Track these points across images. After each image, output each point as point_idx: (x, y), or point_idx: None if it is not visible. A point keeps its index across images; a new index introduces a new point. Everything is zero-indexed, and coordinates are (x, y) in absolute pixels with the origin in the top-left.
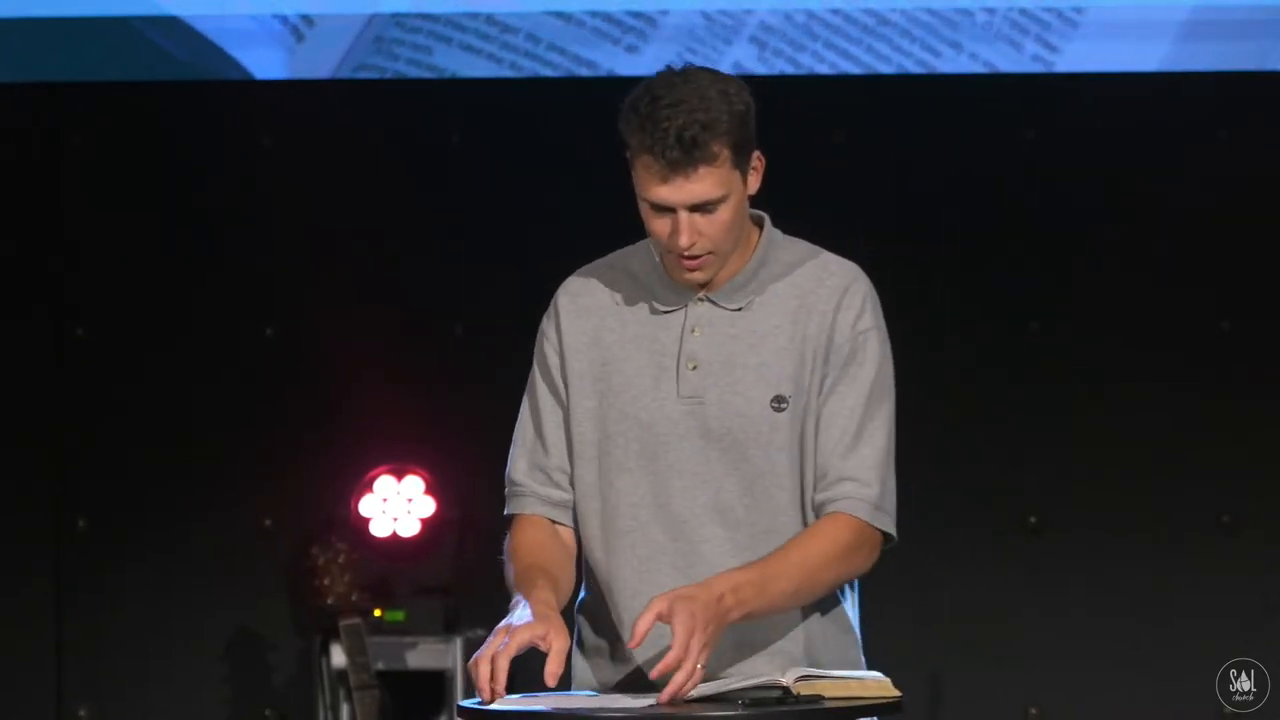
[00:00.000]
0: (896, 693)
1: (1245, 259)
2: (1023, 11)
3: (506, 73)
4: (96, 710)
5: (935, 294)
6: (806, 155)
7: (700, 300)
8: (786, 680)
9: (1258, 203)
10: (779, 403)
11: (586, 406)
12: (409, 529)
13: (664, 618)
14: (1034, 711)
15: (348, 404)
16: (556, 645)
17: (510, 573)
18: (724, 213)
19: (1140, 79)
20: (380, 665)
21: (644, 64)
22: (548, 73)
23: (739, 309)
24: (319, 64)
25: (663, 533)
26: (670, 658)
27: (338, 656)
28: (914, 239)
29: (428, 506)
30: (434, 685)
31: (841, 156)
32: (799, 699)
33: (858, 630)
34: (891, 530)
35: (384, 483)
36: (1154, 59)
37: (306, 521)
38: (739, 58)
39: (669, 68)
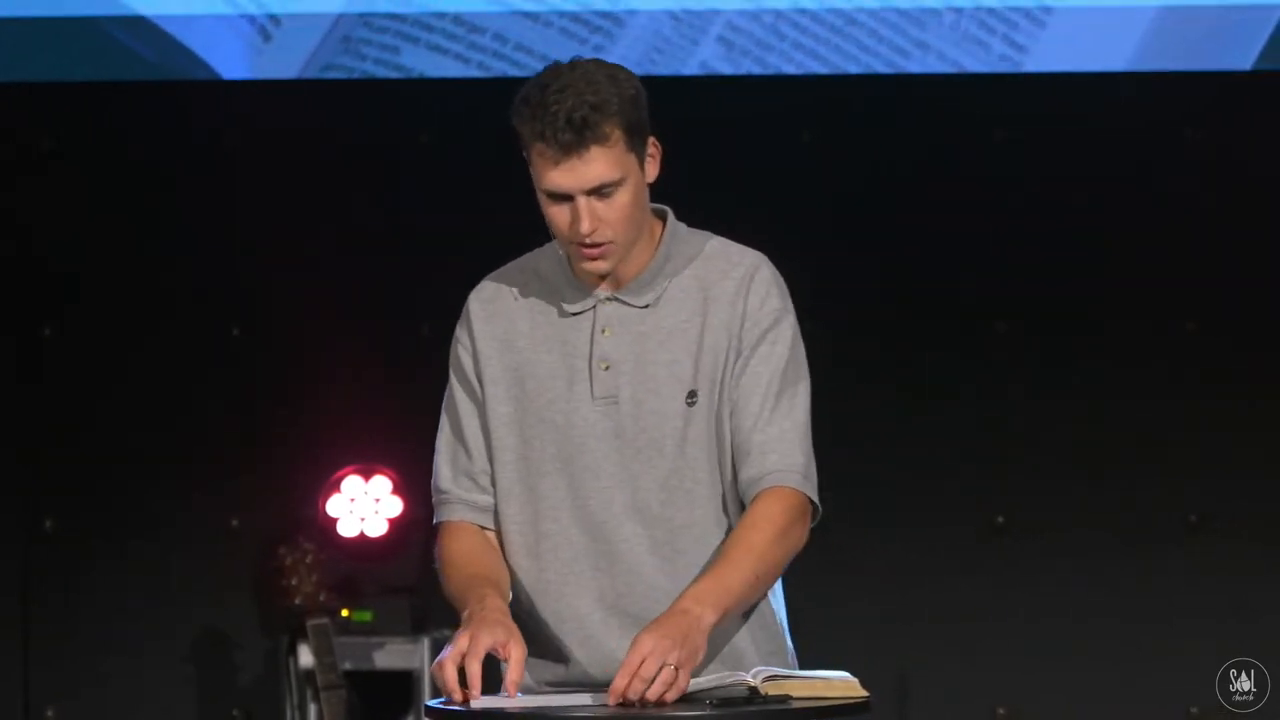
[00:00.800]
0: (864, 693)
1: (1212, 259)
2: (990, 11)
3: (474, 72)
4: (64, 710)
5: (903, 294)
6: (774, 155)
7: (608, 300)
8: (754, 680)
9: (1224, 202)
10: (691, 398)
11: (502, 412)
12: (376, 529)
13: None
14: (1002, 711)
15: (315, 404)
16: (516, 654)
17: (451, 583)
18: (622, 197)
19: (1108, 79)
20: (348, 665)
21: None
22: (515, 73)
23: (647, 305)
24: (286, 64)
25: (583, 534)
26: (616, 679)
27: (305, 656)
28: (881, 239)
29: (395, 506)
30: (401, 685)
31: (809, 156)
32: (767, 699)
33: (784, 620)
34: (817, 499)
35: (351, 483)
36: (1121, 59)
37: (274, 522)
38: (706, 57)
39: (556, 62)
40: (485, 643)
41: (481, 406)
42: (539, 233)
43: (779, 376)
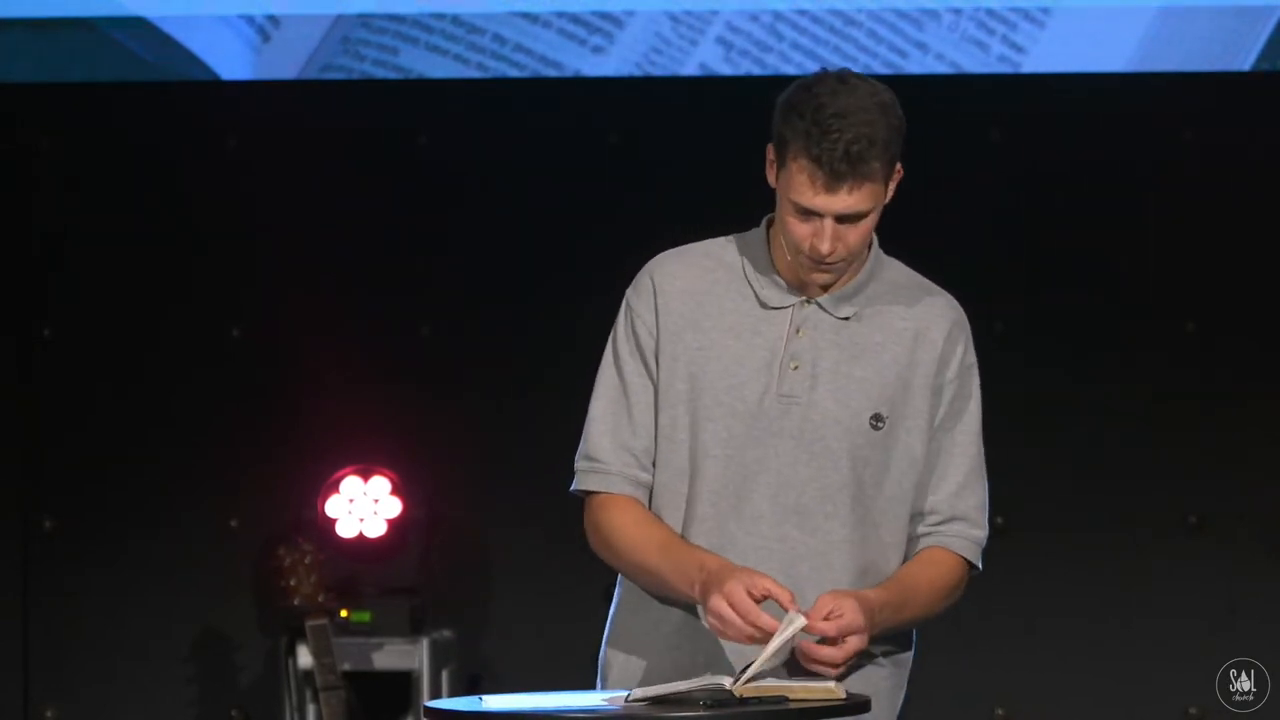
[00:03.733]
0: (842, 695)
1: (1210, 260)
2: (989, 12)
3: (473, 73)
4: (64, 711)
5: None
6: None
7: (808, 303)
8: (730, 684)
9: (1223, 203)
10: (877, 421)
11: (679, 389)
12: (375, 530)
13: (832, 614)
14: (1000, 712)
15: (314, 404)
16: (769, 584)
17: (637, 554)
18: (867, 223)
19: (1106, 79)
20: (346, 666)
21: (610, 65)
22: (514, 73)
23: (846, 318)
24: (285, 65)
25: (738, 526)
26: (837, 628)
27: (304, 657)
28: (879, 240)
29: (394, 507)
30: (400, 686)
31: None
32: (762, 700)
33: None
34: (980, 567)
35: (350, 483)
36: (1120, 59)
37: (273, 522)
38: (705, 58)
39: (825, 70)
40: (743, 590)
41: (655, 384)
42: (538, 233)
43: (975, 441)
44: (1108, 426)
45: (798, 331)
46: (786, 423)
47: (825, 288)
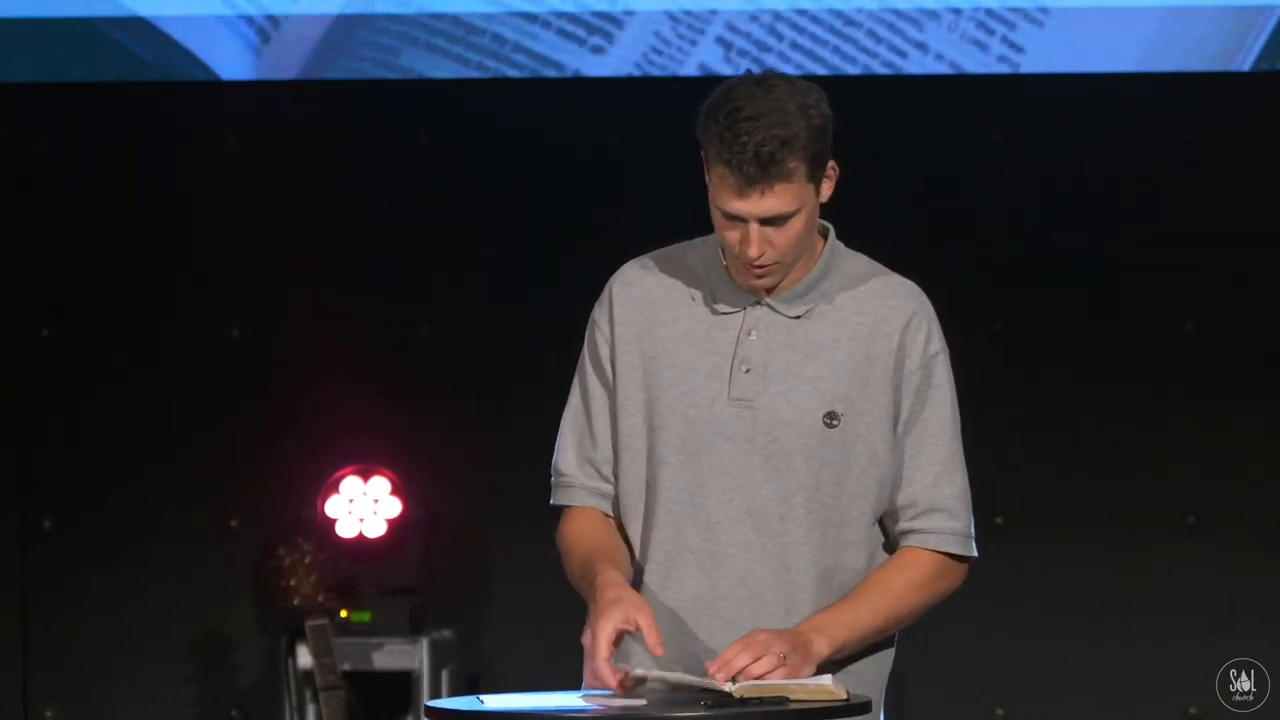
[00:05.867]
0: (842, 695)
1: (1210, 260)
2: (989, 13)
3: (473, 73)
4: (63, 711)
5: None
6: None
7: (759, 305)
8: (729, 687)
9: (1223, 204)
10: (831, 419)
11: (635, 399)
12: (375, 530)
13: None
14: (1000, 712)
15: (314, 405)
16: (644, 620)
17: (573, 563)
18: (795, 224)
19: (1106, 80)
20: (346, 666)
21: (610, 65)
22: (514, 73)
23: (798, 317)
24: (285, 65)
25: (694, 532)
26: (724, 654)
27: (304, 657)
28: (878, 240)
29: (394, 507)
30: (400, 686)
31: None
32: (762, 700)
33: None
34: (974, 553)
35: (350, 483)
36: (1120, 60)
37: (273, 522)
38: (705, 59)
39: (749, 74)
40: (608, 633)
41: (612, 394)
42: (537, 234)
43: (948, 430)
44: (1107, 426)
45: (749, 334)
46: (739, 427)
47: (770, 290)
